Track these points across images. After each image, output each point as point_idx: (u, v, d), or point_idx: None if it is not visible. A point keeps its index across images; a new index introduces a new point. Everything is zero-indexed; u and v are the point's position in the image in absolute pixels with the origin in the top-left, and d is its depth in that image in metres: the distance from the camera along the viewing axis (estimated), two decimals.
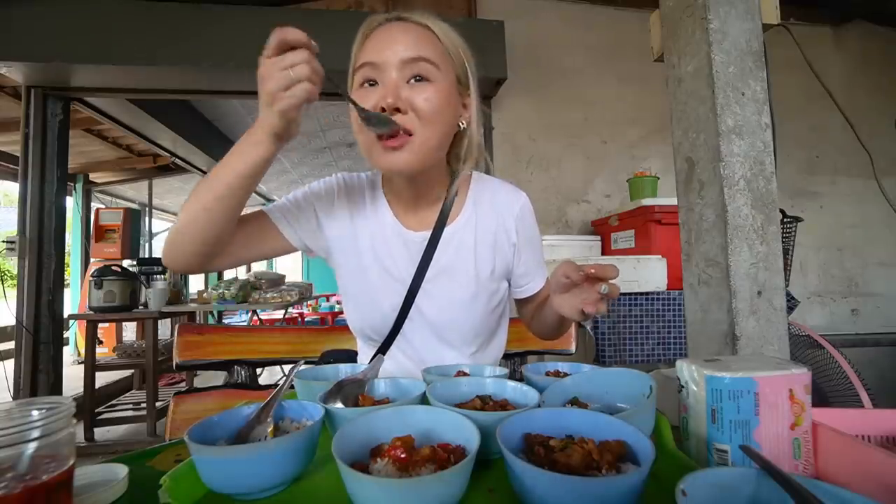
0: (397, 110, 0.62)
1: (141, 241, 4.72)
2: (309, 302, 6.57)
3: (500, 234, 0.79)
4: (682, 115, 0.96)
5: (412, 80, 0.64)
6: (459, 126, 0.73)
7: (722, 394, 0.44)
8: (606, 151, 2.92)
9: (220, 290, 3.24)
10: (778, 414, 0.42)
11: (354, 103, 0.62)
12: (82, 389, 2.65)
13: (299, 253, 0.80)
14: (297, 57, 0.54)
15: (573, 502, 0.33)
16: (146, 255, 4.89)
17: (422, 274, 0.74)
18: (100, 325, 2.94)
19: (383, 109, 0.62)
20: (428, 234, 0.75)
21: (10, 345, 2.47)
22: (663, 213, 1.91)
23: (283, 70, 0.53)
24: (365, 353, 0.84)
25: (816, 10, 3.09)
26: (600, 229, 2.48)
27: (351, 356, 0.93)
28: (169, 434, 1.04)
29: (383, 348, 0.78)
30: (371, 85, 0.65)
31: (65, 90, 2.51)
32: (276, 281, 3.78)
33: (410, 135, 0.64)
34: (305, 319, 6.27)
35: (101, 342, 4.15)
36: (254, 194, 6.45)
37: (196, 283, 5.61)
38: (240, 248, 0.72)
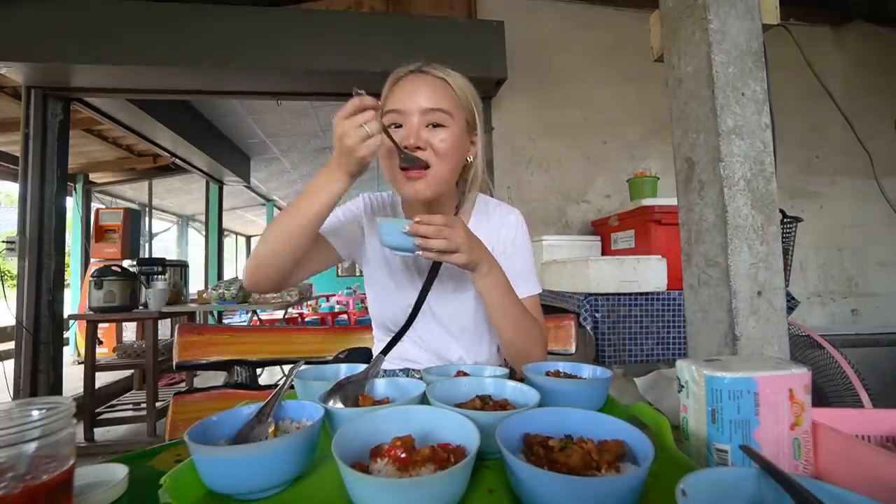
0: (418, 147, 0.78)
1: (141, 242, 4.72)
2: (309, 302, 6.58)
3: (495, 244, 0.91)
4: (681, 115, 0.95)
5: (430, 126, 0.79)
6: (467, 160, 0.88)
7: (722, 394, 0.44)
8: (606, 151, 2.92)
9: (220, 291, 3.24)
10: (778, 414, 0.42)
11: (396, 144, 0.77)
12: (82, 389, 2.65)
13: None
14: (368, 116, 0.66)
15: (573, 502, 0.33)
16: (146, 256, 4.88)
17: (432, 278, 0.88)
18: (100, 325, 2.94)
19: (406, 147, 0.77)
20: None
21: (10, 345, 2.46)
22: (663, 213, 1.91)
23: (359, 128, 0.66)
24: (381, 342, 0.95)
25: (816, 10, 3.09)
26: (600, 229, 2.48)
27: (367, 355, 1.03)
28: (169, 434, 1.04)
29: (398, 337, 0.91)
30: (397, 127, 0.80)
31: (65, 90, 2.51)
32: None
33: (427, 168, 0.79)
34: (305, 320, 6.27)
35: (101, 342, 4.15)
36: (253, 193, 6.38)
37: (196, 283, 5.61)
38: (306, 265, 0.85)
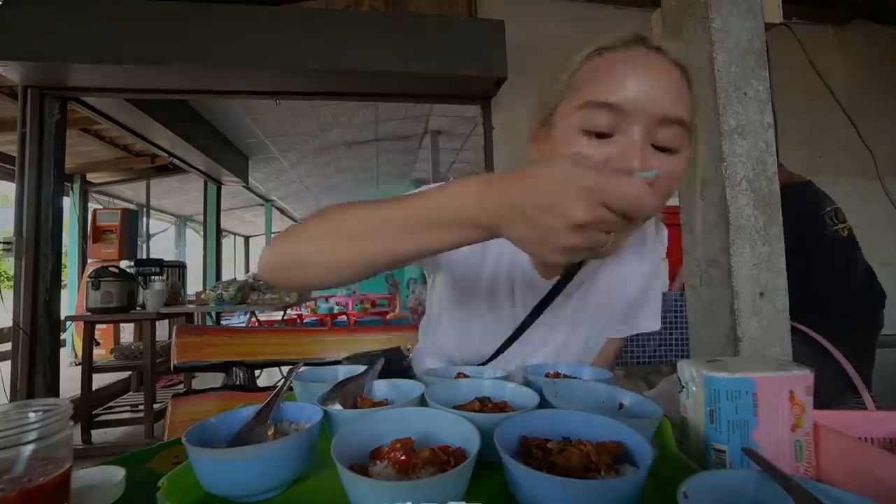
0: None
1: (138, 242, 4.70)
2: (308, 303, 6.57)
3: (627, 277, 0.71)
4: None
5: (656, 148, 0.50)
6: None
7: (720, 394, 0.43)
8: None
9: (219, 292, 3.23)
10: (778, 415, 0.42)
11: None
12: (79, 391, 2.64)
13: None
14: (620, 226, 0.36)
15: None
16: (144, 256, 4.87)
17: (533, 319, 0.69)
18: (97, 326, 2.93)
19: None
20: (553, 282, 0.67)
21: (7, 346, 2.45)
22: (665, 213, 1.90)
23: (603, 234, 0.37)
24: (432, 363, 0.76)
25: (819, 9, 3.08)
26: None
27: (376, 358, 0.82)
28: (167, 436, 1.03)
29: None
30: (600, 137, 0.50)
31: (62, 90, 2.50)
32: None
33: None
34: (304, 321, 6.26)
35: (98, 343, 4.13)
36: (252, 194, 6.33)
37: (194, 284, 5.60)
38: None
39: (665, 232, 0.76)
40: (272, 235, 9.09)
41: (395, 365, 0.69)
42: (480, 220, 0.39)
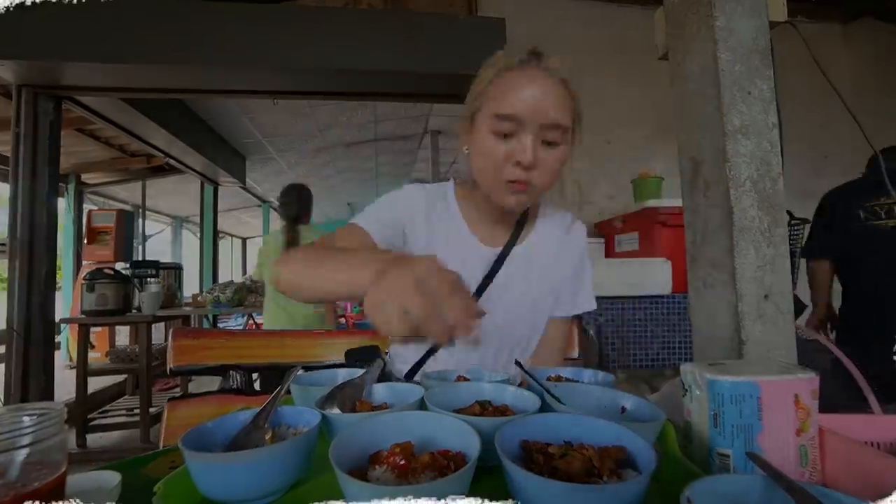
0: (528, 167, 0.70)
1: (134, 244, 4.68)
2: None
3: (559, 257, 0.88)
4: (686, 114, 0.94)
5: (544, 143, 0.70)
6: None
7: (724, 398, 0.43)
8: (610, 152, 2.89)
9: (216, 294, 3.22)
10: (782, 419, 0.42)
11: None
12: (74, 395, 2.62)
13: None
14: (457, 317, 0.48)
15: None
16: (139, 258, 4.84)
17: (484, 287, 0.82)
18: (92, 329, 2.91)
19: (518, 163, 0.69)
20: (499, 250, 0.84)
21: (1, 349, 2.43)
22: (668, 214, 1.90)
23: (439, 321, 0.47)
24: (405, 362, 0.88)
25: (824, 6, 3.07)
26: (603, 231, 2.48)
27: (374, 353, 0.98)
28: (163, 440, 1.02)
29: (434, 349, 0.84)
30: (507, 136, 0.71)
31: (56, 89, 2.48)
32: None
33: (530, 184, 0.72)
34: None
35: (93, 346, 4.10)
36: (249, 195, 6.31)
37: (191, 286, 5.57)
38: None
39: (579, 230, 0.92)
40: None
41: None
42: (364, 292, 0.53)
